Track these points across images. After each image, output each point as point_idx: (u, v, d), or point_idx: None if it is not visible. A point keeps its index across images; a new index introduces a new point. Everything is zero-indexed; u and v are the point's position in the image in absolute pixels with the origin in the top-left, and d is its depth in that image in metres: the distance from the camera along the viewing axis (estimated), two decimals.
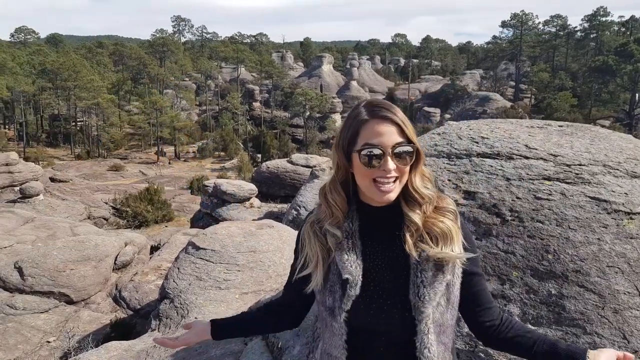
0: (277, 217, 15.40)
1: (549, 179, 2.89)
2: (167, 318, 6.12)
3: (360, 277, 1.44)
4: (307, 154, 31.00)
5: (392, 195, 1.42)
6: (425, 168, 1.50)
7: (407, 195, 1.46)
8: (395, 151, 1.39)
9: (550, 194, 2.79)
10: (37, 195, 27.51)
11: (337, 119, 64.56)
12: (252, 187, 21.28)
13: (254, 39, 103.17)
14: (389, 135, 1.39)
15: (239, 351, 4.12)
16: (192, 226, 20.51)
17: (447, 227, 1.44)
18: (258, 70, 77.63)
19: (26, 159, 36.04)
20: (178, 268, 6.79)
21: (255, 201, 21.06)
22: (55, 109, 62.63)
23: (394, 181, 1.41)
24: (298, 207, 14.06)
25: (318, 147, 54.50)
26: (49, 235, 16.14)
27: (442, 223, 1.44)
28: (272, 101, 70.94)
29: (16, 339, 8.17)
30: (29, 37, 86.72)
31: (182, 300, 6.20)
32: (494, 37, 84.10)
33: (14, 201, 26.79)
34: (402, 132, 1.40)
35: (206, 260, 6.74)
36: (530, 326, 1.62)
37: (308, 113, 61.28)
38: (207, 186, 21.55)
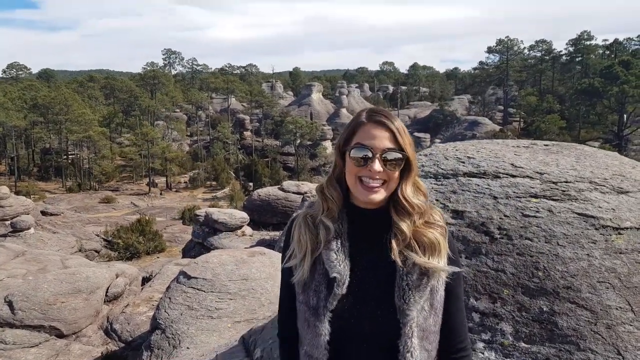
0: (269, 244, 15.30)
1: (535, 196, 2.92)
2: (158, 349, 6.00)
3: (347, 276, 1.46)
4: (298, 181, 31.03)
5: (377, 197, 1.45)
6: (419, 181, 1.53)
7: (397, 204, 1.49)
8: (384, 155, 1.43)
9: (537, 211, 2.81)
10: (28, 228, 27.20)
11: (328, 146, 64.94)
12: (243, 216, 21.18)
13: (243, 69, 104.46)
14: (381, 139, 1.44)
15: None
16: (184, 256, 20.30)
17: (436, 238, 1.47)
18: (248, 100, 78.26)
19: (17, 193, 35.73)
20: (169, 298, 6.70)
21: (247, 229, 20.93)
22: (47, 143, 62.55)
23: (381, 184, 1.45)
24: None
25: (309, 175, 54.68)
26: (40, 268, 15.89)
27: (430, 234, 1.47)
28: (263, 130, 71.36)
29: None
30: (20, 72, 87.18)
31: (174, 330, 6.10)
32: (481, 62, 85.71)
33: (4, 235, 26.44)
34: (395, 139, 1.44)
35: (197, 289, 6.66)
36: None
37: (299, 141, 61.68)
38: (199, 215, 21.44)
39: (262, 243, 17.51)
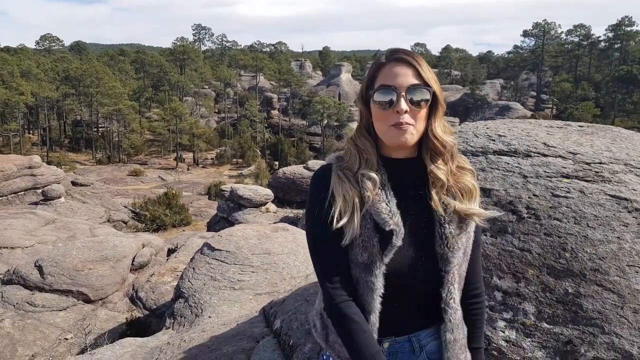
0: (292, 222, 15.41)
1: (567, 176, 2.84)
2: (181, 317, 6.15)
3: (402, 227, 1.41)
4: (324, 161, 31.04)
5: (409, 138, 1.39)
6: (447, 123, 1.48)
7: (429, 146, 1.44)
8: (409, 92, 1.37)
9: (568, 192, 2.74)
10: (59, 197, 28.05)
11: (355, 128, 64.50)
12: (268, 192, 21.37)
13: (273, 47, 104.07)
14: (404, 76, 1.38)
15: (250, 348, 4.11)
16: (208, 230, 20.66)
17: (472, 184, 1.46)
18: (277, 78, 78.18)
19: (49, 163, 36.76)
20: (193, 268, 6.83)
21: (271, 206, 21.13)
22: (78, 115, 63.88)
23: (408, 125, 1.39)
24: None
25: None
26: (69, 236, 16.42)
27: (467, 179, 1.46)
28: (290, 109, 71.33)
29: (35, 336, 8.29)
30: (53, 44, 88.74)
31: (197, 299, 6.23)
32: (515, 46, 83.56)
33: (36, 203, 27.35)
34: (418, 75, 1.39)
35: (221, 261, 6.76)
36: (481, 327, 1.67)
37: (326, 121, 61.45)
38: (224, 191, 21.72)
39: (285, 220, 17.66)
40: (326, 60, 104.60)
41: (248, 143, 58.68)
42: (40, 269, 9.67)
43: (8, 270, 10.24)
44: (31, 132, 64.42)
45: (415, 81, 1.38)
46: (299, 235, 7.72)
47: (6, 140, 55.68)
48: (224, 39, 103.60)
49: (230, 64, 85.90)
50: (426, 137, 1.43)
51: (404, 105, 1.36)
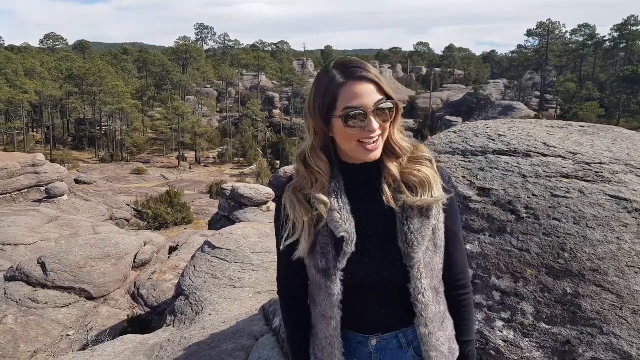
0: None
1: (567, 176, 2.84)
2: (182, 314, 6.17)
3: (354, 233, 1.45)
4: None
5: (378, 153, 1.43)
6: (400, 123, 1.51)
7: (387, 149, 1.47)
8: (377, 110, 1.39)
9: (568, 192, 2.74)
10: (62, 195, 28.11)
11: None
12: (269, 191, 21.35)
13: (275, 47, 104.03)
14: (369, 94, 1.38)
15: (250, 346, 4.12)
16: (210, 228, 20.67)
17: (425, 175, 1.46)
18: (278, 77, 78.14)
19: (52, 161, 36.83)
20: (194, 266, 6.85)
21: (272, 205, 21.11)
22: (81, 114, 63.98)
23: (377, 139, 1.42)
24: None
25: None
26: (72, 233, 16.47)
27: (418, 172, 1.46)
28: (292, 108, 71.30)
29: (37, 332, 8.33)
30: (57, 43, 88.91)
31: (197, 297, 6.25)
32: (519, 46, 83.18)
33: (39, 201, 27.42)
34: (380, 89, 1.40)
35: (221, 259, 6.78)
36: (471, 318, 1.68)
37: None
38: (226, 190, 21.71)
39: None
40: (328, 59, 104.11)
41: (250, 142, 58.69)
42: (43, 265, 9.71)
43: (11, 267, 10.28)
44: (35, 130, 64.58)
45: (379, 96, 1.39)
46: None
47: (10, 139, 55.84)
48: (226, 38, 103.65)
49: (232, 63, 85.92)
50: (386, 142, 1.46)
51: (375, 125, 1.38)
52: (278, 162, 54.47)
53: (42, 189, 28.70)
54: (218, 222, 20.89)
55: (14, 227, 15.82)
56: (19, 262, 10.21)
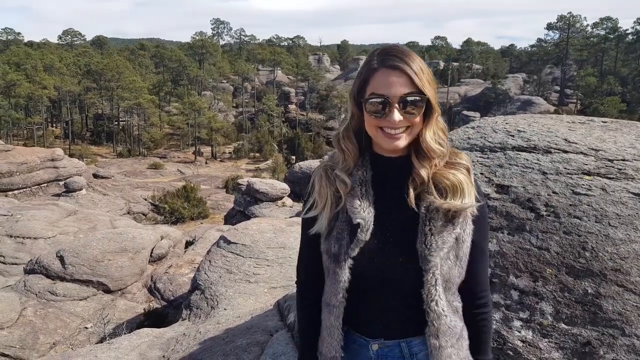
0: None
1: (589, 173, 2.77)
2: (197, 308, 6.21)
3: (371, 223, 1.42)
4: None
5: (400, 144, 1.39)
6: (441, 121, 1.45)
7: (418, 148, 1.43)
8: (402, 102, 1.35)
9: (589, 189, 2.67)
10: (80, 189, 28.55)
11: None
12: (284, 187, 21.42)
13: (291, 41, 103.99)
14: (397, 85, 1.35)
15: (264, 341, 4.13)
16: (225, 223, 20.80)
17: (458, 180, 1.41)
18: (294, 72, 78.17)
19: (71, 156, 37.42)
20: (209, 261, 6.88)
21: (287, 200, 21.18)
22: (99, 109, 64.82)
23: (404, 130, 1.39)
24: None
25: None
26: (90, 227, 16.70)
27: (452, 175, 1.41)
28: (308, 103, 71.29)
29: (56, 324, 8.47)
30: (75, 39, 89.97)
31: (213, 291, 6.28)
32: (539, 39, 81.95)
33: (58, 195, 27.89)
34: (412, 82, 1.35)
35: (237, 254, 6.81)
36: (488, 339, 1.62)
37: (343, 116, 60.85)
38: (241, 184, 21.83)
39: (301, 214, 17.66)
40: (344, 54, 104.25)
41: (265, 137, 58.88)
42: (61, 259, 9.85)
43: (31, 260, 10.46)
44: (54, 125, 65.62)
45: (408, 90, 1.35)
46: None
47: (30, 134, 56.83)
48: (242, 33, 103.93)
49: (248, 59, 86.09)
50: (417, 140, 1.42)
51: (396, 116, 1.35)
52: (293, 157, 54.56)
53: (61, 183, 29.18)
54: (234, 217, 21.02)
55: (34, 221, 16.09)
56: (38, 255, 10.38)
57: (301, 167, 25.24)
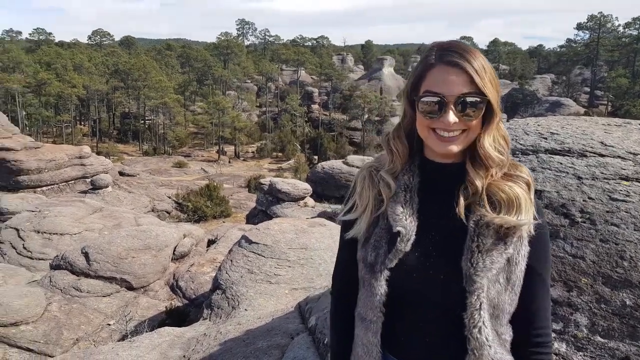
0: (330, 217, 15.35)
1: (627, 178, 2.64)
2: (218, 308, 6.20)
3: (413, 232, 1.31)
4: (364, 156, 30.82)
5: (454, 148, 1.27)
6: (502, 127, 1.32)
7: (474, 155, 1.30)
8: (459, 103, 1.23)
9: (628, 195, 2.54)
10: (106, 187, 29.07)
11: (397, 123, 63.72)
12: (306, 187, 21.40)
13: (315, 41, 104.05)
14: (454, 84, 1.23)
15: (285, 344, 4.07)
16: (247, 222, 20.90)
17: (515, 194, 1.26)
18: (318, 72, 78.19)
19: (98, 154, 38.12)
20: (231, 260, 6.87)
21: (310, 200, 21.15)
22: (126, 108, 65.93)
23: (459, 134, 1.26)
24: None
25: (376, 151, 53.74)
26: (115, 224, 16.94)
27: (509, 188, 1.27)
28: (331, 103, 71.19)
29: (79, 320, 8.59)
30: (104, 39, 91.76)
31: (234, 291, 6.26)
32: (568, 40, 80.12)
33: (85, 192, 28.44)
34: (472, 81, 1.23)
35: (258, 254, 6.78)
36: None
37: (366, 116, 61.03)
38: (263, 184, 21.89)
39: (323, 215, 17.62)
40: (368, 54, 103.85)
41: (288, 137, 59.03)
42: (86, 255, 9.99)
43: (57, 256, 10.64)
44: (82, 123, 66.96)
45: (467, 89, 1.23)
46: (337, 231, 7.63)
47: (59, 131, 58.14)
48: (267, 33, 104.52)
49: (272, 59, 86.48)
50: (473, 146, 1.30)
51: (451, 117, 1.23)
52: (316, 157, 54.59)
53: (88, 180, 29.75)
54: (256, 217, 21.09)
55: (60, 217, 16.40)
56: (64, 252, 10.55)
57: (323, 168, 25.17)
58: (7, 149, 28.50)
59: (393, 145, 1.36)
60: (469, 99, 1.23)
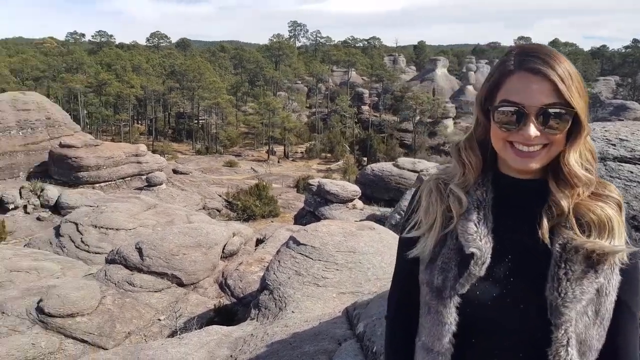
0: (379, 220, 15.18)
1: None
2: (265, 309, 6.22)
3: (489, 255, 1.17)
4: (415, 159, 30.32)
5: (534, 165, 1.14)
6: (590, 142, 1.18)
7: (557, 172, 1.16)
8: (541, 114, 1.10)
9: None
10: (161, 184, 30.08)
11: (449, 125, 62.38)
12: (355, 189, 21.27)
13: (366, 42, 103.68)
14: (537, 93, 1.10)
15: (332, 350, 4.01)
16: (295, 223, 21.00)
17: (607, 216, 1.12)
18: (369, 73, 77.84)
19: (154, 152, 39.50)
20: (279, 261, 6.88)
21: (358, 203, 21.00)
22: (181, 108, 68.01)
23: (540, 148, 1.13)
24: (402, 212, 13.71)
25: (427, 153, 52.97)
26: (168, 221, 17.46)
27: (600, 209, 1.13)
28: (381, 105, 70.63)
29: (132, 314, 8.86)
30: (161, 41, 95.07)
31: (281, 292, 6.26)
32: (635, 40, 76.13)
33: (140, 188, 29.54)
34: (557, 90, 1.09)
35: (306, 256, 6.75)
36: None
37: (418, 117, 60.11)
38: (312, 185, 21.93)
39: (372, 218, 17.46)
40: (421, 55, 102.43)
41: (337, 138, 59.06)
42: (140, 251, 10.30)
43: (112, 250, 11.04)
44: (139, 122, 69.63)
45: (550, 99, 1.10)
46: (386, 236, 7.51)
47: (117, 130, 60.73)
48: (318, 34, 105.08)
49: (323, 60, 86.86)
50: (556, 162, 1.17)
51: (532, 131, 1.11)
52: (365, 158, 54.31)
53: (143, 177, 30.90)
54: (304, 217, 21.17)
55: (117, 213, 17.06)
56: (119, 246, 10.92)
57: (373, 170, 24.93)
58: (69, 146, 30.03)
59: (465, 157, 1.24)
60: (553, 111, 1.10)
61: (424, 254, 1.25)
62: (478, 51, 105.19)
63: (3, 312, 8.41)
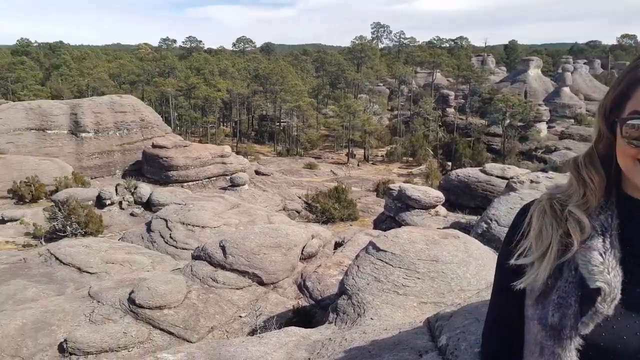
0: (463, 228, 14.60)
1: None
2: (344, 313, 6.14)
3: (619, 290, 1.01)
4: (504, 164, 28.88)
5: None
6: None
7: None
8: None
9: None
10: (244, 184, 31.12)
11: (543, 129, 58.80)
12: (438, 195, 20.63)
13: (452, 42, 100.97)
14: None
15: None
16: (374, 227, 20.77)
17: None
18: (455, 75, 75.67)
19: (237, 153, 41.01)
20: (358, 266, 6.77)
21: (441, 209, 20.35)
22: (264, 110, 70.15)
23: None
24: (489, 221, 13.07)
25: (517, 159, 50.21)
26: (250, 221, 17.97)
27: None
28: (468, 107, 68.28)
29: (215, 309, 9.16)
30: (247, 46, 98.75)
31: (360, 298, 6.15)
32: None
33: (224, 188, 30.75)
34: None
35: (385, 263, 6.59)
36: None
37: (508, 121, 57.31)
38: (392, 189, 21.57)
39: (456, 226, 16.85)
40: (512, 55, 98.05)
41: (420, 141, 57.89)
42: (223, 249, 10.64)
43: (198, 247, 11.51)
44: (225, 124, 72.68)
45: None
46: (471, 245, 7.16)
47: (204, 131, 63.78)
48: (402, 36, 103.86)
49: (406, 61, 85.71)
50: None
51: None
52: (449, 163, 52.75)
53: (227, 177, 32.15)
54: (383, 222, 20.90)
55: (203, 211, 17.81)
56: (204, 244, 11.36)
57: (458, 175, 24.03)
58: (161, 147, 31.94)
59: (586, 175, 1.08)
60: None
61: (534, 286, 1.10)
62: (576, 50, 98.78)
63: (99, 301, 9.03)
